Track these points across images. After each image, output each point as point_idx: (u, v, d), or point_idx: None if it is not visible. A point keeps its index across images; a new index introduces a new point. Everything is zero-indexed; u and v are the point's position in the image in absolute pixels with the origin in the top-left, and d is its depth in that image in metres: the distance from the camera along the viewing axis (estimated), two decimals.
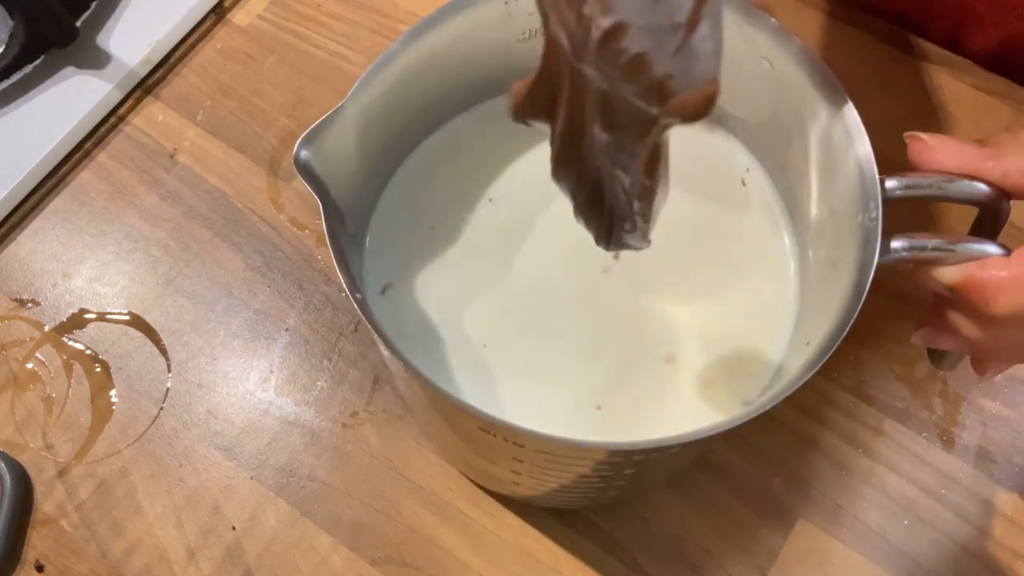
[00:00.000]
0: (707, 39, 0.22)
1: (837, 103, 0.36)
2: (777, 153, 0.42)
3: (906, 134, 0.34)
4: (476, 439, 0.36)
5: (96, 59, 0.57)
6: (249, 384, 0.49)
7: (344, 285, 0.33)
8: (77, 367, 0.50)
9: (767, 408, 0.31)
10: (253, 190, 0.54)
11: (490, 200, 0.44)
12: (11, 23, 0.56)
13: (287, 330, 0.51)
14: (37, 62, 0.57)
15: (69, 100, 0.56)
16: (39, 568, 0.46)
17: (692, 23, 0.22)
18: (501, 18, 0.40)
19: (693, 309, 0.41)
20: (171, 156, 0.55)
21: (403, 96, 0.40)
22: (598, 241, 0.31)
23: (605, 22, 0.22)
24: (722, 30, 0.22)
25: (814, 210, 0.39)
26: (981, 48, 0.55)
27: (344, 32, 0.59)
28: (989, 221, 0.34)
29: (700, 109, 0.23)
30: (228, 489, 0.47)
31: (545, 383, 0.40)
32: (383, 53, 0.37)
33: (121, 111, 0.57)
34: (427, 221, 0.43)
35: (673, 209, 0.43)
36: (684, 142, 0.45)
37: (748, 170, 0.44)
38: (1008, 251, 0.32)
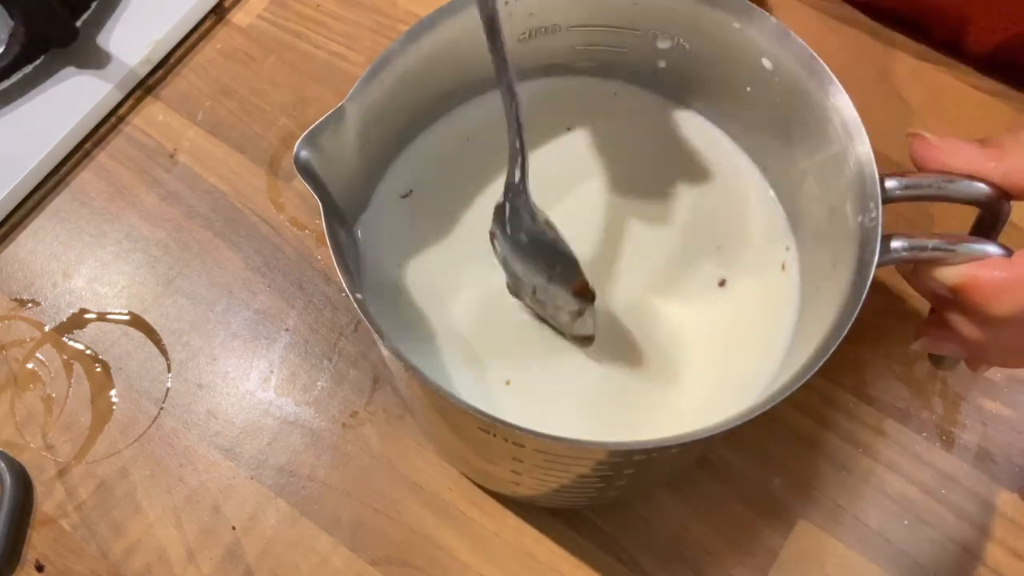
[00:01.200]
0: (588, 318, 0.38)
1: (836, 102, 0.36)
2: (777, 153, 0.42)
3: (908, 132, 0.34)
4: (476, 439, 0.36)
5: (96, 59, 0.57)
6: (249, 384, 0.49)
7: (344, 284, 0.33)
8: (77, 367, 0.50)
9: (767, 408, 0.31)
10: (253, 190, 0.54)
11: (488, 200, 0.44)
12: (11, 23, 0.56)
13: (287, 330, 0.51)
14: (37, 62, 0.57)
15: (69, 100, 0.56)
16: (39, 568, 0.46)
17: (578, 314, 0.38)
18: (501, 18, 0.40)
19: (693, 308, 0.41)
20: (171, 156, 0.55)
21: (403, 96, 0.40)
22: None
23: (535, 296, 0.39)
24: (595, 314, 0.38)
25: (814, 210, 0.39)
26: (981, 51, 0.55)
27: (344, 32, 0.59)
28: (989, 222, 0.34)
29: (585, 344, 0.40)
30: (228, 489, 0.47)
31: (544, 383, 0.40)
32: (383, 53, 0.37)
33: (121, 111, 0.57)
34: (426, 219, 0.43)
35: (673, 209, 0.43)
36: (685, 143, 0.45)
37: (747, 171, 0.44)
38: (1008, 251, 0.32)
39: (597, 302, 0.41)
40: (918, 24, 0.56)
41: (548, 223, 0.36)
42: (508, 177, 0.36)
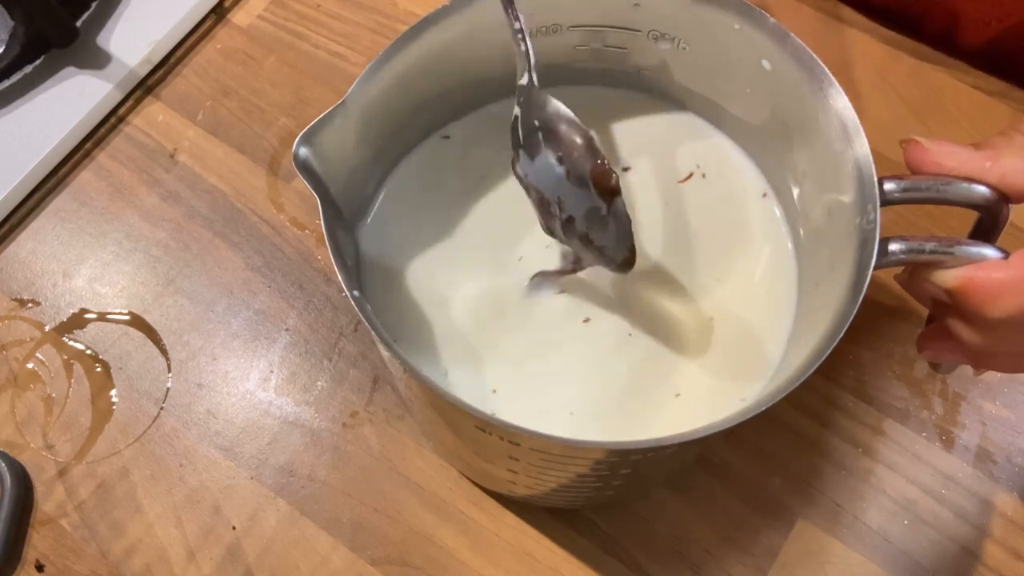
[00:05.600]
0: (617, 227, 0.36)
1: (835, 104, 0.36)
2: (776, 154, 0.42)
3: (901, 139, 0.34)
4: (473, 438, 0.36)
5: (96, 59, 0.57)
6: (249, 384, 0.49)
7: (342, 283, 0.33)
8: (77, 367, 0.50)
9: (766, 407, 0.31)
10: (253, 190, 0.54)
11: (489, 200, 0.44)
12: (11, 23, 0.56)
13: (287, 330, 0.51)
14: (37, 62, 0.57)
15: (69, 100, 0.56)
16: (39, 568, 0.46)
17: (604, 220, 0.36)
18: (501, 18, 0.40)
19: (693, 308, 0.41)
20: (171, 156, 0.56)
21: (403, 95, 0.40)
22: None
23: (563, 216, 0.37)
24: (629, 223, 0.36)
25: (813, 211, 0.39)
26: (974, 45, 0.55)
27: (344, 32, 0.59)
28: (988, 225, 0.34)
29: (627, 266, 0.37)
30: (228, 489, 0.47)
31: (544, 383, 0.40)
32: (383, 51, 0.37)
33: (121, 111, 0.57)
34: (426, 220, 0.43)
35: (673, 209, 0.43)
36: (685, 144, 0.45)
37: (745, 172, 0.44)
38: (1006, 253, 0.31)
39: (595, 302, 0.41)
40: (911, 20, 0.56)
41: (560, 113, 0.36)
42: (519, 81, 0.37)
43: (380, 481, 0.47)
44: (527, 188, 0.37)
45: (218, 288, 0.52)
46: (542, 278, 0.41)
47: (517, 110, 0.37)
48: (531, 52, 0.37)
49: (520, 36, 0.36)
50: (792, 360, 0.37)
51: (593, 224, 0.36)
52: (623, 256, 0.36)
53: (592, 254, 0.37)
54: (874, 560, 0.45)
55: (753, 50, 0.38)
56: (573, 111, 0.45)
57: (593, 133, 0.36)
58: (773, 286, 0.41)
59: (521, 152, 0.37)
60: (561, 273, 0.41)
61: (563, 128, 0.36)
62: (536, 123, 0.37)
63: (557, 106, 0.36)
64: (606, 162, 0.35)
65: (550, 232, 0.38)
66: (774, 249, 0.42)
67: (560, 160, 0.36)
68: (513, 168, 0.38)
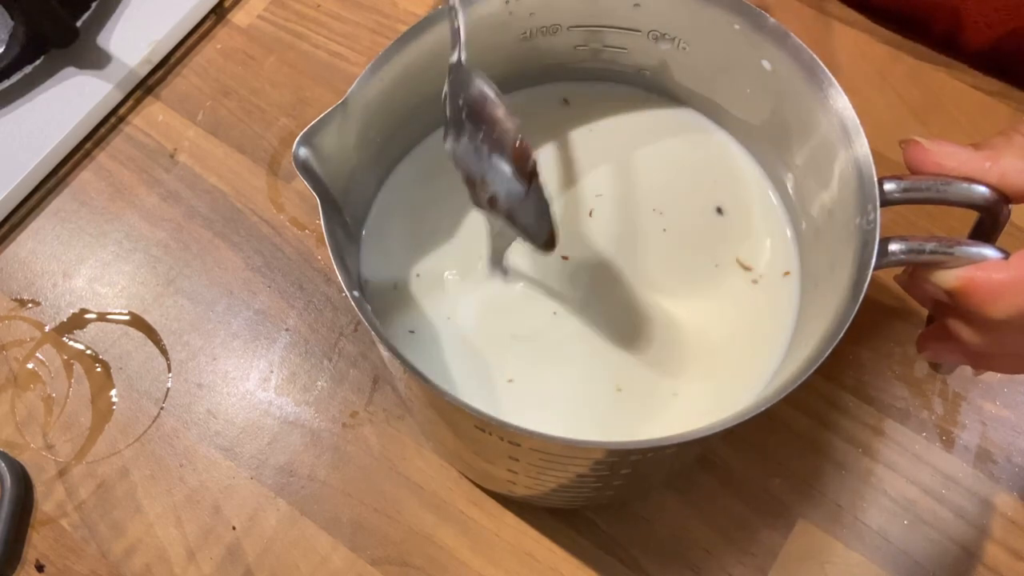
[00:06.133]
0: (541, 207, 0.36)
1: (835, 104, 0.36)
2: (777, 154, 0.42)
3: (901, 140, 0.34)
4: (473, 438, 0.36)
5: (96, 59, 0.57)
6: (249, 384, 0.49)
7: (342, 283, 0.33)
8: (77, 367, 0.50)
9: (766, 407, 0.31)
10: (253, 190, 0.54)
11: None
12: (11, 23, 0.56)
13: (287, 330, 0.51)
14: (37, 62, 0.57)
15: (69, 100, 0.56)
16: (39, 568, 0.46)
17: (528, 197, 0.36)
18: (501, 18, 0.40)
19: (692, 308, 0.41)
20: (171, 156, 0.55)
21: (402, 94, 0.40)
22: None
23: (488, 194, 0.37)
24: (548, 205, 0.36)
25: (813, 211, 0.39)
26: (977, 47, 0.55)
27: (344, 32, 0.59)
28: (988, 225, 0.34)
29: (549, 247, 0.37)
30: (228, 489, 0.47)
31: (545, 382, 0.40)
32: (383, 51, 0.37)
33: (121, 111, 0.57)
34: (426, 219, 0.43)
35: (674, 209, 0.43)
36: (685, 144, 0.45)
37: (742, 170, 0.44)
38: (1006, 254, 0.31)
39: (595, 302, 0.41)
40: (914, 22, 0.56)
41: (484, 92, 0.36)
42: (449, 59, 0.37)
43: (380, 481, 0.47)
44: (455, 164, 0.37)
45: (218, 288, 0.52)
46: (493, 264, 0.42)
47: (447, 88, 0.37)
48: (462, 30, 0.37)
49: (453, 13, 0.37)
50: (792, 360, 0.37)
51: (515, 204, 0.37)
52: (544, 237, 0.37)
53: (518, 231, 0.37)
54: (874, 560, 0.45)
55: (753, 50, 0.38)
56: (573, 110, 0.45)
57: (514, 114, 0.36)
58: (773, 286, 0.41)
59: (449, 129, 0.37)
60: (498, 250, 0.41)
61: (487, 108, 0.36)
62: (461, 101, 0.36)
63: (482, 85, 0.36)
64: (526, 143, 0.36)
65: (479, 206, 0.38)
66: (774, 248, 0.42)
67: (483, 139, 0.36)
68: (444, 144, 0.38)
